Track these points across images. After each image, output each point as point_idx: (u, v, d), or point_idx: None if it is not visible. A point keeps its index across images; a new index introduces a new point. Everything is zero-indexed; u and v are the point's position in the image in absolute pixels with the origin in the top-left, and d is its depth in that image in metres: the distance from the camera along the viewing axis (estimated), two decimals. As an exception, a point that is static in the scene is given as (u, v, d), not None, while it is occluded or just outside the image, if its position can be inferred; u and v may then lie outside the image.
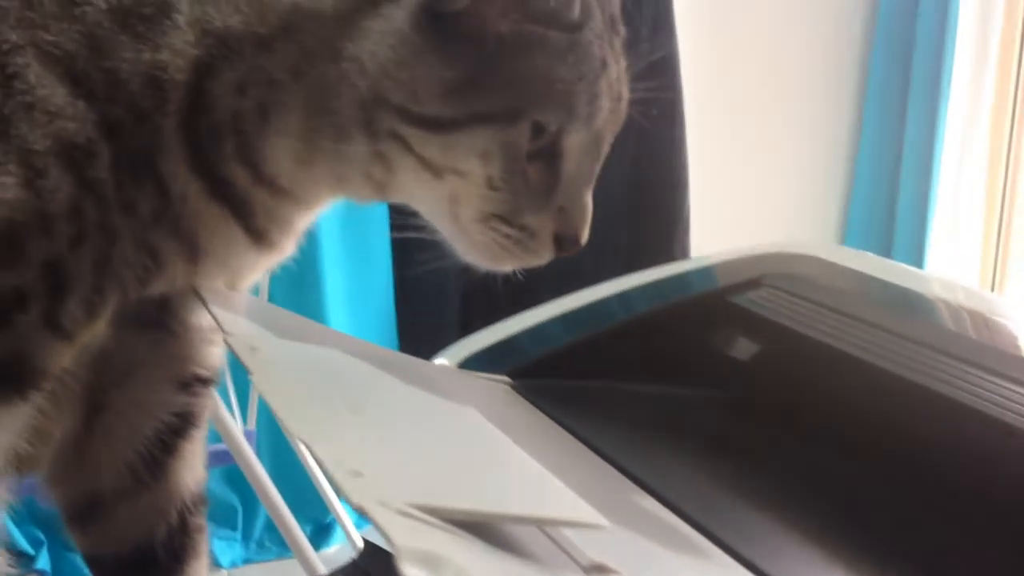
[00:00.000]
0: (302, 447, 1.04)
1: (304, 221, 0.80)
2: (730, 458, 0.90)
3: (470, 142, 0.71)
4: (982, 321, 0.99)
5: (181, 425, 0.83)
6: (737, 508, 0.83)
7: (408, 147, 0.72)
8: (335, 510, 1.88)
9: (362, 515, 0.50)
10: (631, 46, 0.82)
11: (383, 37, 0.70)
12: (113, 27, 0.67)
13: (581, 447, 0.84)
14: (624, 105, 0.78)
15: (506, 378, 0.94)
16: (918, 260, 3.08)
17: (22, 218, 0.64)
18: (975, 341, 0.95)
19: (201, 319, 0.80)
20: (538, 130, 0.72)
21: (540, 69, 0.72)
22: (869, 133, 3.27)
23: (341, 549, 2.47)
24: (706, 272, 1.06)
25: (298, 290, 2.33)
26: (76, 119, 0.66)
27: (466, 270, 0.79)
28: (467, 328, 1.07)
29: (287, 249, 0.80)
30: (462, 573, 0.47)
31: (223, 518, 2.51)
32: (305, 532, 1.82)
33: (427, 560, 0.47)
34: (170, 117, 0.70)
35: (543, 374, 0.94)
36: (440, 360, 0.98)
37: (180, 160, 0.70)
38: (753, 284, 1.01)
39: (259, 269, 0.81)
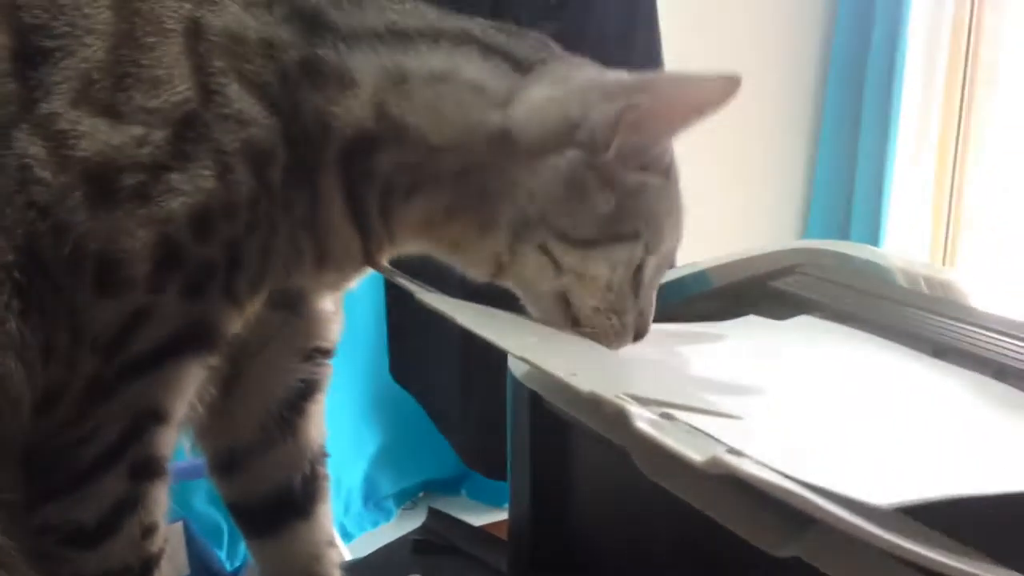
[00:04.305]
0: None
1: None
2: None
3: (605, 256, 0.88)
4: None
5: (307, 390, 0.97)
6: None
7: (547, 251, 0.88)
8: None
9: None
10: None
11: (556, 174, 0.86)
12: (300, 73, 0.83)
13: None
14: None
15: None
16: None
17: (215, 205, 0.78)
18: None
19: (324, 304, 0.96)
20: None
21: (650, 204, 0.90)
22: (826, 147, 3.64)
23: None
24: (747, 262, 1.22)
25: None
26: (265, 128, 0.80)
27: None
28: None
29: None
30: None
31: (208, 535, 2.53)
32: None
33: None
34: (333, 152, 0.84)
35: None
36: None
37: (333, 182, 0.85)
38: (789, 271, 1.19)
39: (355, 281, 0.96)
